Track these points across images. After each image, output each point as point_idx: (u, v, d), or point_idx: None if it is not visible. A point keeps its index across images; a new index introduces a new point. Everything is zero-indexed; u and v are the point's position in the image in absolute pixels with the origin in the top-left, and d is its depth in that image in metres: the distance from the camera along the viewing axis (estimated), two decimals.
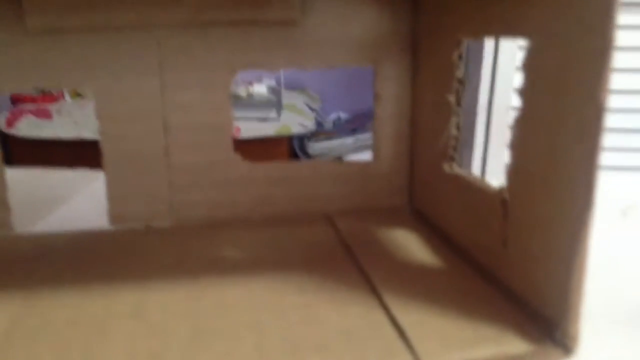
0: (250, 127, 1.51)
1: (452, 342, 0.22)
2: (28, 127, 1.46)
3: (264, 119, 1.57)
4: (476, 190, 0.28)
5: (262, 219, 0.36)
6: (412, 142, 0.37)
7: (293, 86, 1.88)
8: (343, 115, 1.96)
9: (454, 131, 0.30)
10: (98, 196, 0.42)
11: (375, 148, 0.37)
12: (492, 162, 1.28)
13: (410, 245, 0.32)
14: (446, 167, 0.31)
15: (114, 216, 0.35)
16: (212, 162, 0.35)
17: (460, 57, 0.30)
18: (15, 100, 1.58)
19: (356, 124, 1.85)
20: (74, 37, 0.32)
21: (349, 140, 1.71)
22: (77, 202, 0.40)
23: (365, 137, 1.69)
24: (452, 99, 0.30)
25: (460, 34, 0.29)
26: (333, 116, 1.95)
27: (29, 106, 1.52)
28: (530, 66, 0.23)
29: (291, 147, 1.63)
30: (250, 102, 1.58)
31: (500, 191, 0.26)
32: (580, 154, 0.19)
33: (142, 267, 0.29)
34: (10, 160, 1.30)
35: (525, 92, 0.23)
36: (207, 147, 0.35)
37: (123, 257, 0.31)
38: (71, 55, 0.32)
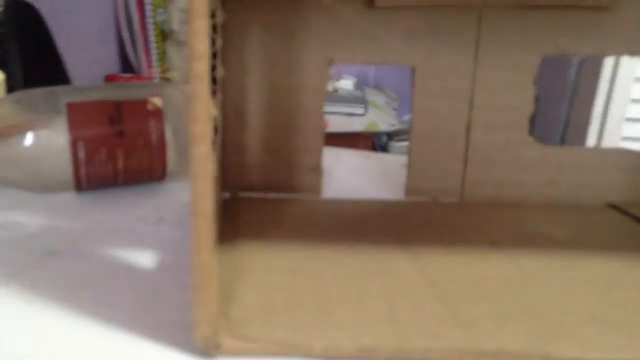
0: (337, 122, 1.52)
1: None
2: None
3: (350, 114, 1.57)
4: None
5: (546, 202, 0.36)
6: None
7: (370, 85, 1.88)
8: None
9: None
10: (355, 171, 0.43)
11: None
12: None
13: None
14: None
15: (410, 188, 0.35)
16: (507, 142, 0.36)
17: None
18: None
19: None
20: (401, 13, 0.33)
21: None
22: (338, 175, 0.42)
23: None
24: None
25: None
26: (407, 117, 1.95)
27: None
28: None
29: (372, 145, 1.63)
30: (336, 97, 1.59)
31: None
32: None
33: (454, 239, 0.30)
34: None
35: None
36: (505, 127, 0.35)
37: (429, 226, 0.32)
38: (397, 31, 0.33)
